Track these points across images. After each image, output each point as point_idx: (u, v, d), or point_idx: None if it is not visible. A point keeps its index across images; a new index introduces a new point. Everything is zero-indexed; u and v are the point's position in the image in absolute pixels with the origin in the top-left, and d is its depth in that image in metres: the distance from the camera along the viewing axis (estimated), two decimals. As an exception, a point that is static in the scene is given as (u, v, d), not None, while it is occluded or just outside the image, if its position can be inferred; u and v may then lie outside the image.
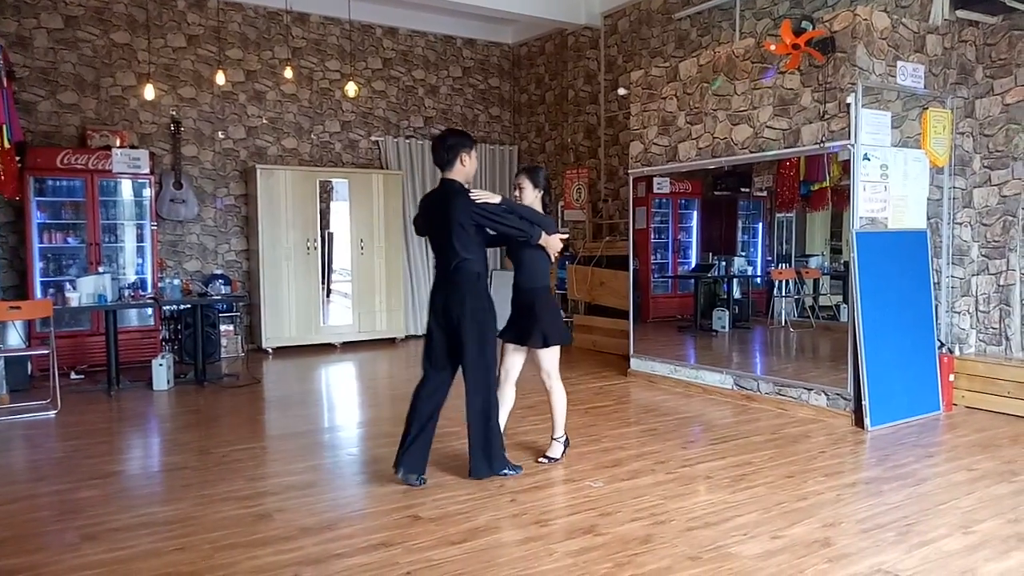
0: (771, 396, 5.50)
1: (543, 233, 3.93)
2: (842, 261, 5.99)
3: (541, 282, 4.09)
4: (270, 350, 8.06)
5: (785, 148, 5.35)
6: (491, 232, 3.90)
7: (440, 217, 3.82)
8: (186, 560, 2.96)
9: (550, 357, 4.08)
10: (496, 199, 3.85)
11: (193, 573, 2.85)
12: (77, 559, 2.99)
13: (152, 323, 7.45)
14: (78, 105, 7.51)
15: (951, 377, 5.29)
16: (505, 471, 3.90)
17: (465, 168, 3.90)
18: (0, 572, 2.88)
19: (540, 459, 4.18)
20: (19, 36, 7.23)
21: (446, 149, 3.87)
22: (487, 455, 3.83)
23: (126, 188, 7.41)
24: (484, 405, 3.80)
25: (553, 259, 4.12)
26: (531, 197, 4.12)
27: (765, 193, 6.82)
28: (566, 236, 4.18)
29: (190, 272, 8.06)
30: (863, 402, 4.82)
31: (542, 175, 4.19)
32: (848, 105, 4.88)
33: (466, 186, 3.90)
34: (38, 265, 6.99)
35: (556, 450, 4.20)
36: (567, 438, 4.26)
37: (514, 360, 4.14)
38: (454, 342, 3.81)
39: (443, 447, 4.35)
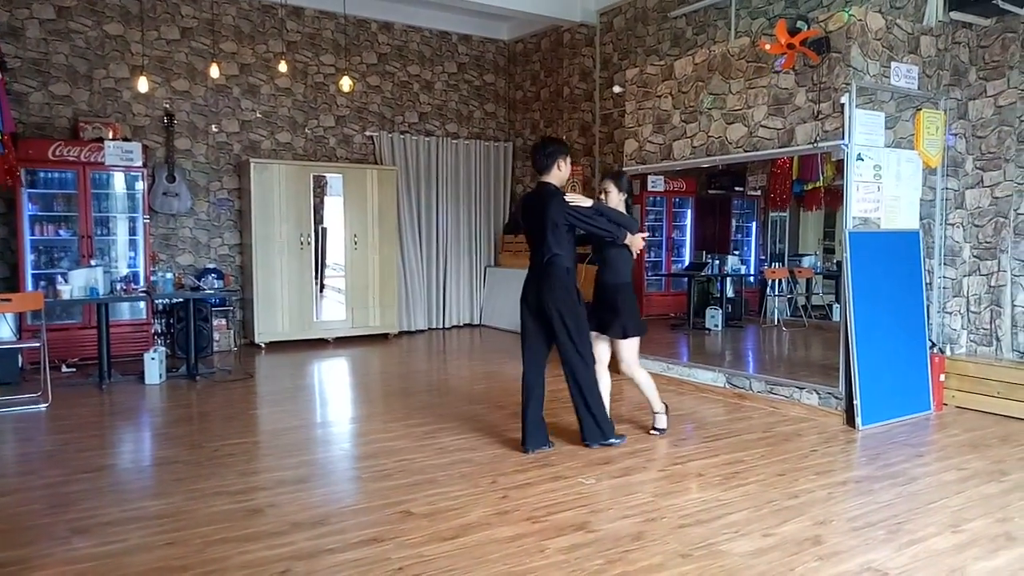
0: (763, 395, 5.52)
1: (627, 233, 4.38)
2: (835, 261, 6.02)
3: (624, 278, 4.51)
4: (263, 345, 8.04)
5: (779, 147, 5.37)
6: (580, 232, 4.34)
7: (537, 216, 4.25)
8: (177, 554, 2.95)
9: (629, 348, 4.49)
10: (588, 203, 4.29)
11: (184, 567, 2.84)
12: (67, 553, 2.98)
13: (144, 317, 7.42)
14: (70, 97, 7.46)
15: (942, 377, 5.32)
16: (613, 440, 4.34)
17: (561, 172, 4.34)
18: (-11, 565, 2.87)
19: (652, 431, 4.63)
20: (11, 26, 7.18)
21: (546, 155, 4.30)
22: (599, 424, 4.29)
23: (118, 181, 7.37)
24: (588, 382, 4.26)
25: (635, 256, 4.54)
26: (616, 200, 4.51)
27: (759, 192, 6.85)
28: (647, 235, 4.65)
29: (183, 266, 8.02)
30: (854, 401, 4.85)
31: (625, 179, 4.59)
32: (842, 105, 4.90)
33: (560, 189, 4.32)
34: (29, 257, 6.94)
35: (661, 421, 4.64)
36: (665, 405, 4.70)
37: (601, 347, 4.52)
38: (548, 329, 4.26)
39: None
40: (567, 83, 9.12)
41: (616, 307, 4.41)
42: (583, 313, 4.29)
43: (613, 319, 4.41)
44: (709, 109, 5.71)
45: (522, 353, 4.35)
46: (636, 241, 4.44)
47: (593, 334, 4.42)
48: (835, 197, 5.49)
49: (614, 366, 4.59)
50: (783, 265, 6.89)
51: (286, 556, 2.93)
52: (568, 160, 4.36)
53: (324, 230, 8.77)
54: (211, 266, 8.11)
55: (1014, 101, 5.25)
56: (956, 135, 5.40)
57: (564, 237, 4.21)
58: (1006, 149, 5.30)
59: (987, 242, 5.43)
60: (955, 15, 5.30)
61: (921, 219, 5.42)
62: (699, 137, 5.97)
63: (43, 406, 5.38)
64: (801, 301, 6.87)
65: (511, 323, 9.32)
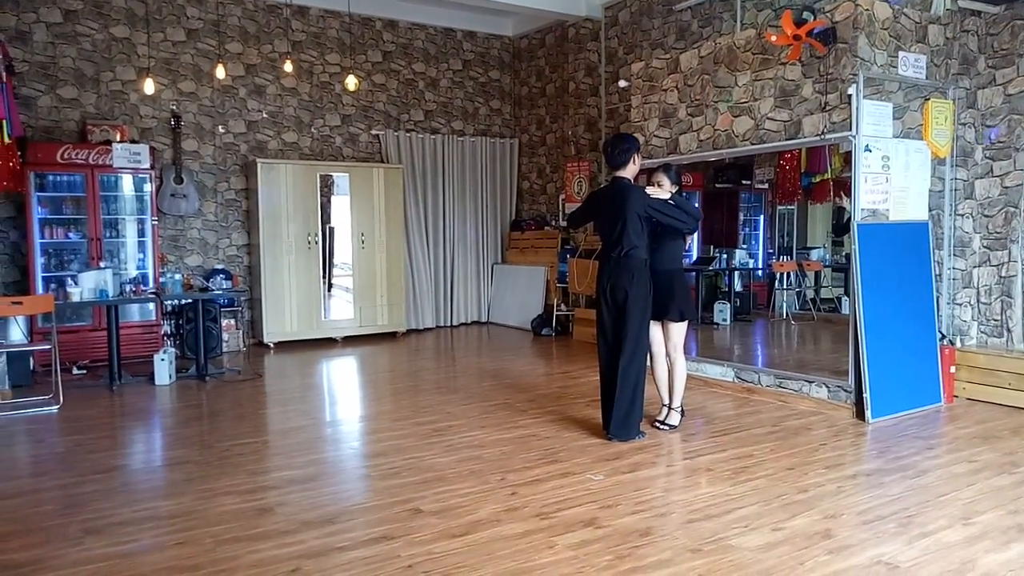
0: (772, 389, 5.50)
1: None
2: (843, 253, 5.98)
3: (677, 264, 4.69)
4: (271, 344, 8.07)
5: (786, 140, 5.34)
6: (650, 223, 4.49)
7: (615, 209, 4.40)
8: (188, 554, 2.97)
9: (681, 331, 4.63)
10: (666, 195, 4.49)
11: (195, 567, 2.86)
12: (80, 553, 3.00)
13: (153, 318, 7.45)
14: (78, 100, 7.50)
15: (952, 369, 5.29)
16: (637, 437, 4.42)
17: (635, 167, 4.56)
18: (4, 566, 2.89)
19: (660, 425, 4.63)
20: (18, 31, 7.22)
21: (622, 152, 4.48)
22: (628, 422, 4.37)
23: (127, 183, 7.41)
24: (637, 377, 4.36)
25: (687, 243, 4.81)
26: (668, 191, 4.62)
27: (766, 185, 6.81)
28: (700, 219, 4.84)
29: (191, 267, 8.06)
30: (864, 394, 4.82)
31: (674, 170, 4.75)
32: (849, 96, 4.86)
33: (634, 183, 4.54)
34: (39, 260, 6.99)
35: (675, 418, 4.67)
36: (683, 408, 4.76)
37: (657, 336, 4.65)
38: (620, 319, 4.39)
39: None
40: (572, 78, 9.10)
41: (672, 291, 4.56)
42: (651, 307, 4.46)
43: (670, 303, 4.56)
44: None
45: (599, 347, 4.52)
46: None
47: (652, 323, 4.56)
48: (843, 189, 5.45)
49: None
50: (791, 258, 6.85)
51: (296, 555, 2.95)
52: (640, 155, 4.63)
53: (331, 229, 8.79)
54: (219, 267, 8.14)
55: (1022, 89, 5.20)
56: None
57: (641, 230, 4.38)
58: (1016, 138, 5.26)
59: (997, 232, 5.39)
60: (963, 3, 5.25)
61: (930, 210, 5.38)
62: (706, 131, 5.94)
63: (55, 408, 5.42)
64: (810, 294, 6.83)
65: (519, 320, 9.32)
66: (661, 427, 4.64)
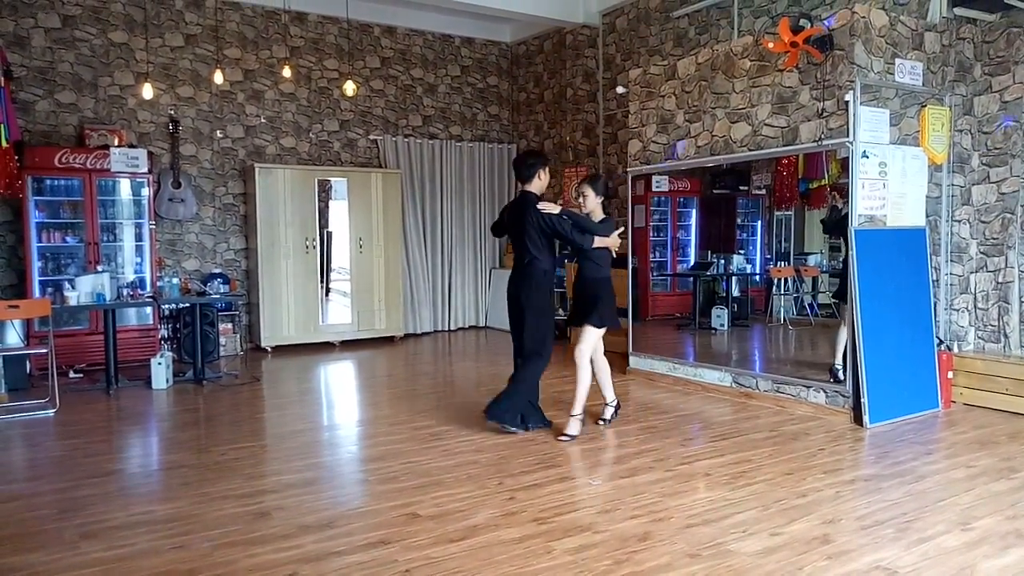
0: (770, 394, 5.50)
1: (595, 237, 4.58)
2: (840, 259, 5.99)
3: (603, 273, 4.72)
4: (269, 349, 8.06)
5: (784, 146, 5.36)
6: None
7: (518, 222, 4.64)
8: (185, 558, 2.96)
9: (593, 336, 4.63)
10: (556, 209, 4.56)
11: (192, 571, 2.85)
12: (76, 557, 2.99)
13: (151, 322, 7.44)
14: (76, 104, 7.50)
15: (950, 374, 5.30)
16: (512, 428, 4.59)
17: (540, 182, 4.73)
18: (0, 570, 2.88)
19: (560, 437, 4.55)
20: (17, 35, 7.23)
21: (528, 167, 4.71)
22: (505, 405, 4.58)
23: (124, 187, 7.40)
24: (528, 379, 4.63)
25: (615, 254, 4.77)
26: (593, 203, 4.74)
27: (764, 191, 6.82)
28: (621, 230, 4.82)
29: (189, 271, 8.05)
30: (862, 399, 4.83)
31: (602, 182, 4.83)
32: (847, 103, 4.88)
33: (540, 196, 4.69)
34: (36, 264, 6.98)
35: (575, 427, 4.59)
36: (618, 401, 4.93)
37: (593, 337, 4.66)
38: (520, 324, 4.67)
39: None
40: (570, 84, 9.13)
41: (596, 299, 4.61)
42: (550, 314, 4.72)
43: (591, 310, 4.60)
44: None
45: (513, 342, 4.86)
46: (610, 241, 4.67)
47: (580, 328, 4.66)
48: (840, 195, 5.46)
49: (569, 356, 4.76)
50: (789, 264, 6.86)
51: (294, 559, 2.94)
52: (547, 170, 4.78)
53: (329, 234, 8.79)
54: (217, 271, 8.13)
55: (1020, 96, 5.23)
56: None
57: (541, 242, 4.59)
58: (1012, 145, 5.28)
59: (994, 238, 5.40)
60: (959, 11, 5.28)
61: (927, 216, 5.40)
62: (703, 137, 5.96)
63: (51, 411, 5.40)
64: (807, 300, 6.84)
65: (517, 325, 9.31)
66: (561, 439, 4.52)
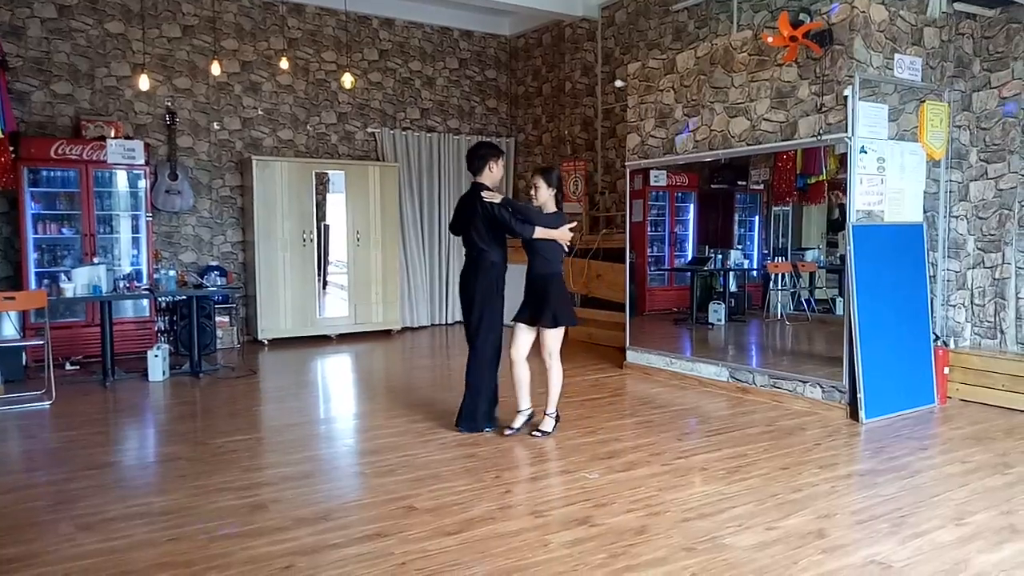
0: (766, 389, 5.51)
1: (537, 228, 4.40)
2: (838, 255, 6.00)
3: (554, 268, 4.52)
4: (266, 342, 8.05)
5: (782, 141, 5.35)
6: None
7: (466, 214, 4.55)
8: (181, 550, 2.96)
9: (555, 336, 4.47)
10: (497, 198, 4.44)
11: (188, 563, 2.85)
12: (72, 549, 2.98)
13: (147, 314, 7.43)
14: (72, 95, 7.46)
15: (946, 370, 5.31)
16: (485, 429, 4.53)
17: (492, 174, 4.60)
18: (-6, 562, 2.88)
19: (534, 432, 4.48)
20: (12, 25, 7.18)
21: (478, 158, 4.59)
22: (471, 413, 4.54)
23: (121, 179, 7.38)
24: (479, 373, 4.50)
25: (565, 248, 4.57)
26: (546, 195, 4.54)
27: (762, 186, 6.81)
28: (573, 224, 4.59)
29: (185, 263, 8.03)
30: (858, 395, 4.84)
31: (555, 175, 4.63)
32: (845, 98, 4.87)
33: (492, 189, 4.57)
34: (32, 256, 6.96)
35: (548, 424, 4.53)
36: (558, 414, 4.62)
37: (525, 339, 4.53)
38: (469, 317, 4.54)
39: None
40: (569, 78, 9.11)
41: (547, 296, 4.42)
42: (498, 308, 4.53)
43: (544, 308, 4.42)
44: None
45: (466, 334, 4.69)
46: (557, 234, 4.45)
47: (521, 326, 4.51)
48: (838, 190, 5.46)
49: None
50: (786, 259, 6.86)
51: (290, 551, 2.94)
52: (499, 162, 4.63)
53: (326, 227, 8.78)
54: (214, 263, 8.12)
55: (1018, 92, 5.22)
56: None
57: (489, 234, 4.47)
58: (1010, 141, 5.28)
59: (991, 234, 5.41)
60: (959, 6, 5.27)
61: (925, 212, 5.40)
62: (702, 131, 5.95)
63: (47, 403, 5.40)
64: (804, 295, 6.84)
65: (512, 318, 9.31)
66: (535, 435, 4.46)
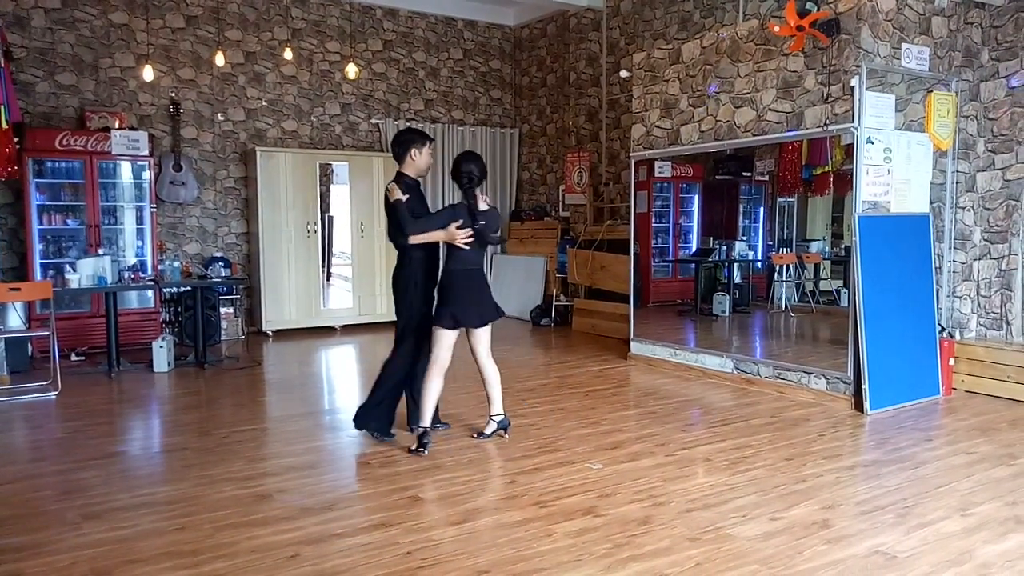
0: (771, 380, 5.50)
1: (411, 235, 4.15)
2: (843, 246, 5.98)
3: (472, 264, 4.25)
4: (270, 333, 8.07)
5: (788, 131, 5.32)
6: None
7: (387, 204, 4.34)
8: (187, 539, 2.97)
9: (485, 336, 4.24)
10: (398, 193, 4.21)
11: (194, 552, 2.86)
12: (79, 538, 3.00)
13: (152, 305, 7.44)
14: (77, 86, 7.46)
15: (951, 361, 5.29)
16: (378, 435, 4.27)
17: (415, 163, 4.32)
18: (2, 550, 2.89)
19: (477, 435, 4.28)
20: (16, 16, 7.18)
21: (399, 144, 4.32)
22: (367, 412, 4.28)
23: (125, 170, 7.38)
24: (391, 374, 4.31)
25: (463, 246, 4.17)
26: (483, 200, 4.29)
27: (767, 177, 6.78)
28: (460, 222, 4.18)
29: (190, 255, 8.05)
30: (863, 386, 4.83)
31: (478, 164, 4.30)
32: (852, 88, 4.84)
33: (418, 180, 4.38)
34: (38, 247, 6.97)
35: (490, 427, 4.30)
36: (507, 418, 4.34)
37: (446, 347, 4.13)
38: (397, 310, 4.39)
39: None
40: (573, 68, 9.07)
41: (469, 294, 4.16)
42: (413, 303, 4.28)
43: (469, 307, 4.13)
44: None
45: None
46: (438, 235, 4.19)
47: (450, 333, 4.10)
48: (844, 182, 5.44)
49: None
50: (791, 250, 6.84)
51: (295, 540, 2.95)
52: (423, 149, 4.28)
53: (331, 218, 8.78)
54: (218, 255, 8.13)
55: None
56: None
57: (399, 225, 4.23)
58: (1018, 131, 5.24)
59: (998, 225, 5.38)
60: (966, -5, 5.23)
61: (931, 203, 5.37)
62: (707, 122, 5.92)
63: (53, 394, 5.42)
64: (809, 286, 6.82)
65: (518, 310, 9.31)
66: (474, 436, 4.28)
